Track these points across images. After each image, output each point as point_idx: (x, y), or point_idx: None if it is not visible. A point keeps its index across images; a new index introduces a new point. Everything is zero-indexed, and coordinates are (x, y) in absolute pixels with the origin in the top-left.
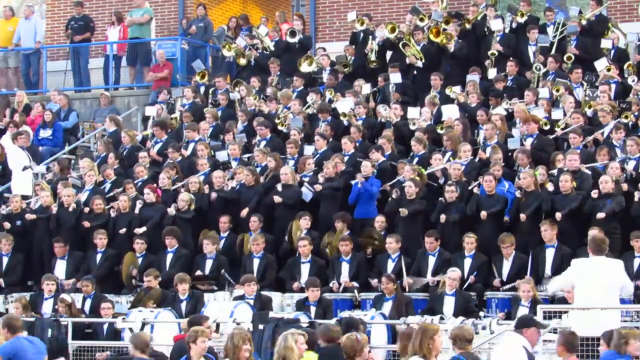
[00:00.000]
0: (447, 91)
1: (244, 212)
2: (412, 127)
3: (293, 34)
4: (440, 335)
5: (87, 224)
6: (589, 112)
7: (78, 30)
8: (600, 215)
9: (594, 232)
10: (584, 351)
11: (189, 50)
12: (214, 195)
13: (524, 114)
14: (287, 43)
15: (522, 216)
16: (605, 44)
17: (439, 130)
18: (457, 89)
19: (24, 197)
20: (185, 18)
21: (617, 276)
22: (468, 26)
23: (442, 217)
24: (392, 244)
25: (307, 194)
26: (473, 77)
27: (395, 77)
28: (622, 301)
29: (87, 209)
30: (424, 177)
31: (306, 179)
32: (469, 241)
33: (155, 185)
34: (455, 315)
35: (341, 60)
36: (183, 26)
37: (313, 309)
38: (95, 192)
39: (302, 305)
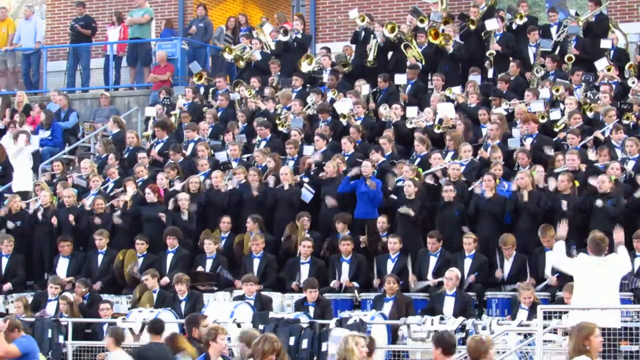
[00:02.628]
0: (447, 92)
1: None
2: (408, 126)
3: (285, 32)
4: (597, 334)
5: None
6: (590, 114)
7: (79, 31)
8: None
9: (593, 232)
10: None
11: (189, 51)
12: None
13: (524, 114)
14: (285, 42)
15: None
16: (605, 44)
17: (435, 130)
18: (456, 89)
19: (23, 197)
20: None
21: (618, 273)
22: (472, 27)
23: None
24: (396, 244)
25: (306, 195)
26: (474, 77)
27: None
28: (622, 301)
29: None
30: (421, 177)
31: (306, 180)
32: (468, 241)
33: (156, 185)
34: (455, 315)
35: (341, 59)
36: (184, 25)
37: (312, 309)
38: (102, 195)
39: (300, 306)
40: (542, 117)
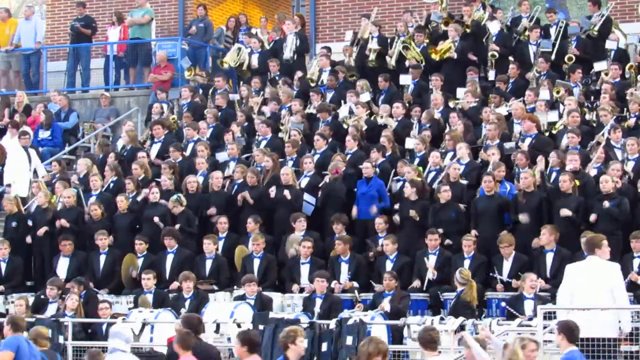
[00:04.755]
0: (451, 104)
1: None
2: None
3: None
4: None
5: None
6: (588, 116)
7: (79, 31)
8: (592, 217)
9: (584, 234)
10: (584, 352)
11: (189, 51)
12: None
13: (522, 112)
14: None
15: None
16: (610, 45)
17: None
18: (460, 94)
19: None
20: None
21: (610, 277)
22: (468, 31)
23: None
24: (388, 245)
25: (307, 207)
26: (471, 77)
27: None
28: None
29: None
30: (422, 177)
31: (305, 180)
32: (467, 243)
33: (156, 185)
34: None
35: (350, 71)
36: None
37: (319, 302)
38: (102, 197)
39: (308, 302)
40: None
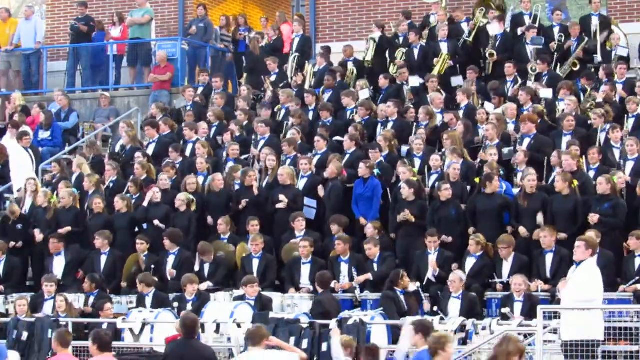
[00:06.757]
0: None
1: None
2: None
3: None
4: None
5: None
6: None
7: (80, 30)
8: (594, 218)
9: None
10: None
11: (189, 51)
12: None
13: (514, 112)
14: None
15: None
16: (622, 51)
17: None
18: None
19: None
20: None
21: (581, 275)
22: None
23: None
24: (371, 250)
25: (309, 211)
26: (470, 76)
27: (413, 81)
28: (622, 301)
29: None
30: (418, 178)
31: (302, 181)
32: (473, 243)
33: (157, 185)
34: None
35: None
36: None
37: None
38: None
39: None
40: (542, 115)
